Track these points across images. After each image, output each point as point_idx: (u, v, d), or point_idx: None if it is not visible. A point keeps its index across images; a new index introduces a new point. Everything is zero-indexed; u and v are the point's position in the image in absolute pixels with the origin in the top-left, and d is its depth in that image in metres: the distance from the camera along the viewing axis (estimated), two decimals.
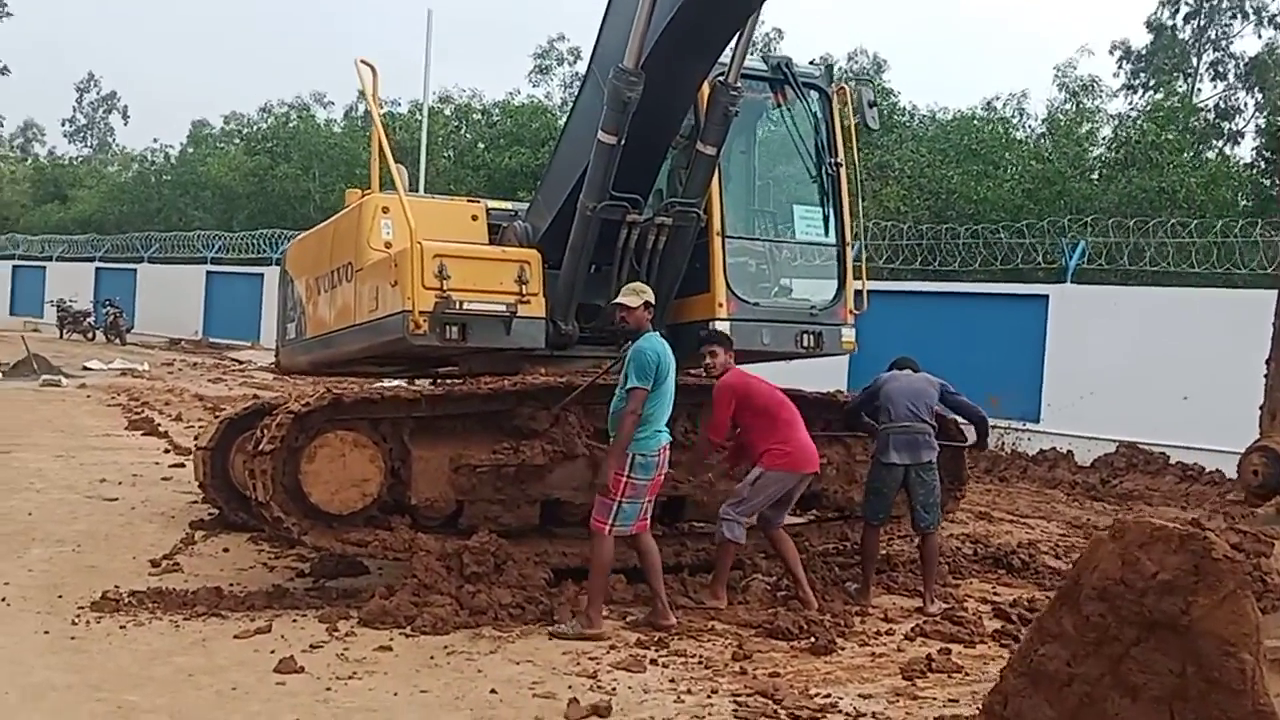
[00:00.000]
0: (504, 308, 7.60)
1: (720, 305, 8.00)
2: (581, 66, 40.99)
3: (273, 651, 5.97)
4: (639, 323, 6.86)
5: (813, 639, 6.52)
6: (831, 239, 8.57)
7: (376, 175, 9.30)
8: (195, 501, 9.88)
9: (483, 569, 6.96)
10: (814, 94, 8.58)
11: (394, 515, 7.23)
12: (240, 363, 28.43)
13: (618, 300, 6.92)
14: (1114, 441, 15.47)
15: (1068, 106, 29.21)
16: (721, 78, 7.56)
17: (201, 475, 9.22)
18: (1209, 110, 37.82)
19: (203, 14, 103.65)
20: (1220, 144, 36.64)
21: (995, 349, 16.74)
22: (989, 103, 30.33)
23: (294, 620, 6.64)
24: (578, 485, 7.46)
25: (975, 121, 28.59)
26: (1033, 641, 3.76)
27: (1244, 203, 25.38)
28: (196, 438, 10.15)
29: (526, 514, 7.48)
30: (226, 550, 8.46)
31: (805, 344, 8.29)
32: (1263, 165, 30.12)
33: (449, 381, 8.26)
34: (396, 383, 11.59)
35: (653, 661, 6.12)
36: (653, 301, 6.97)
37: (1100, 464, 15.38)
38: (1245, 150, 36.00)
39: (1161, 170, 24.20)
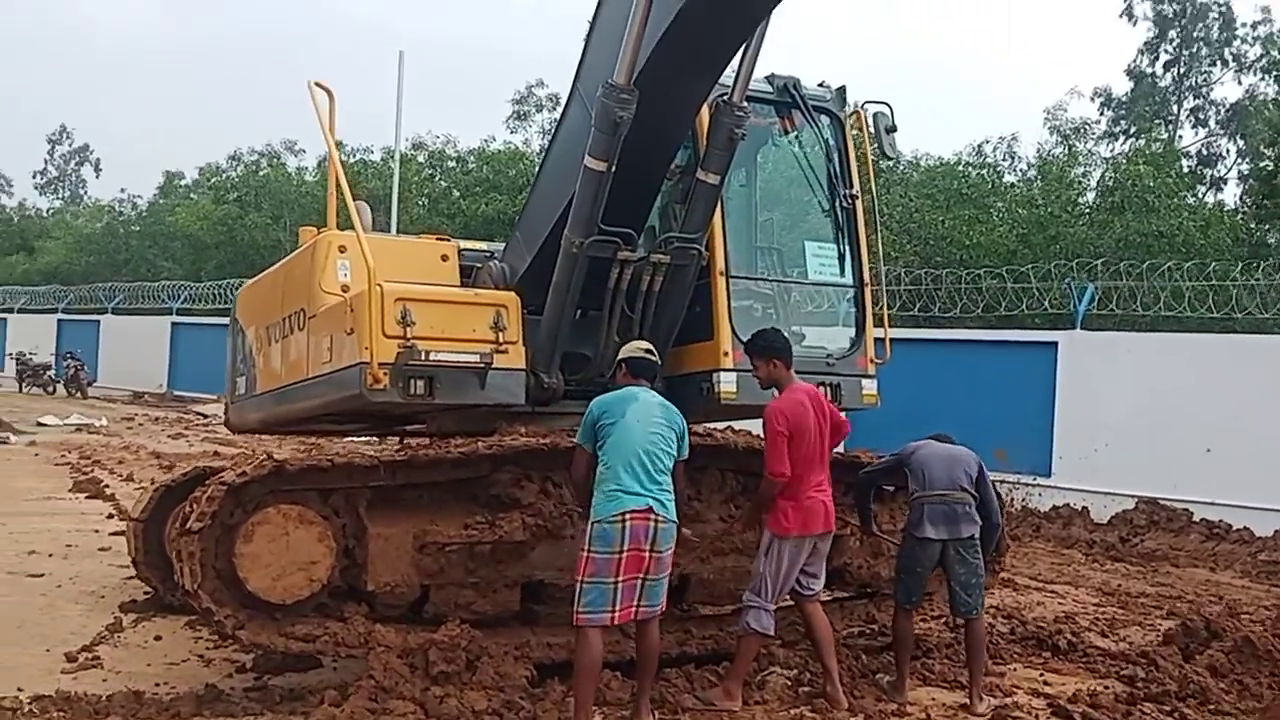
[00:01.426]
0: (478, 358, 6.58)
1: (725, 354, 7.01)
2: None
3: None
4: (618, 382, 6.18)
5: None
6: (848, 279, 7.61)
7: (333, 212, 8.33)
8: (131, 577, 8.75)
9: (453, 667, 5.88)
10: (825, 118, 7.64)
11: (347, 603, 6.16)
12: (205, 417, 27.17)
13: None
14: (1132, 497, 14.52)
15: (1059, 150, 28.61)
16: (724, 98, 6.62)
17: (133, 550, 8.11)
18: (1191, 157, 37.57)
19: (174, 66, 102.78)
20: (1203, 190, 36.37)
21: (1001, 400, 15.80)
22: (978, 147, 29.70)
23: None
24: (565, 565, 6.40)
25: (961, 166, 27.95)
26: None
27: (1235, 248, 24.82)
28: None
29: (505, 599, 6.42)
30: (158, 639, 7.34)
31: None
32: (1248, 209, 29.71)
33: (412, 444, 7.21)
34: (364, 440, 10.60)
35: None
36: (635, 357, 6.18)
37: (1118, 521, 14.42)
38: (1229, 196, 35.83)
39: (1157, 214, 23.58)
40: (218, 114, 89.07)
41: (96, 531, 11.18)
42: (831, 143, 7.64)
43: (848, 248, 7.58)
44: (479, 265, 7.85)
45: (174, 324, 34.81)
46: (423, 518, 6.27)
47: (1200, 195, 33.71)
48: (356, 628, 5.99)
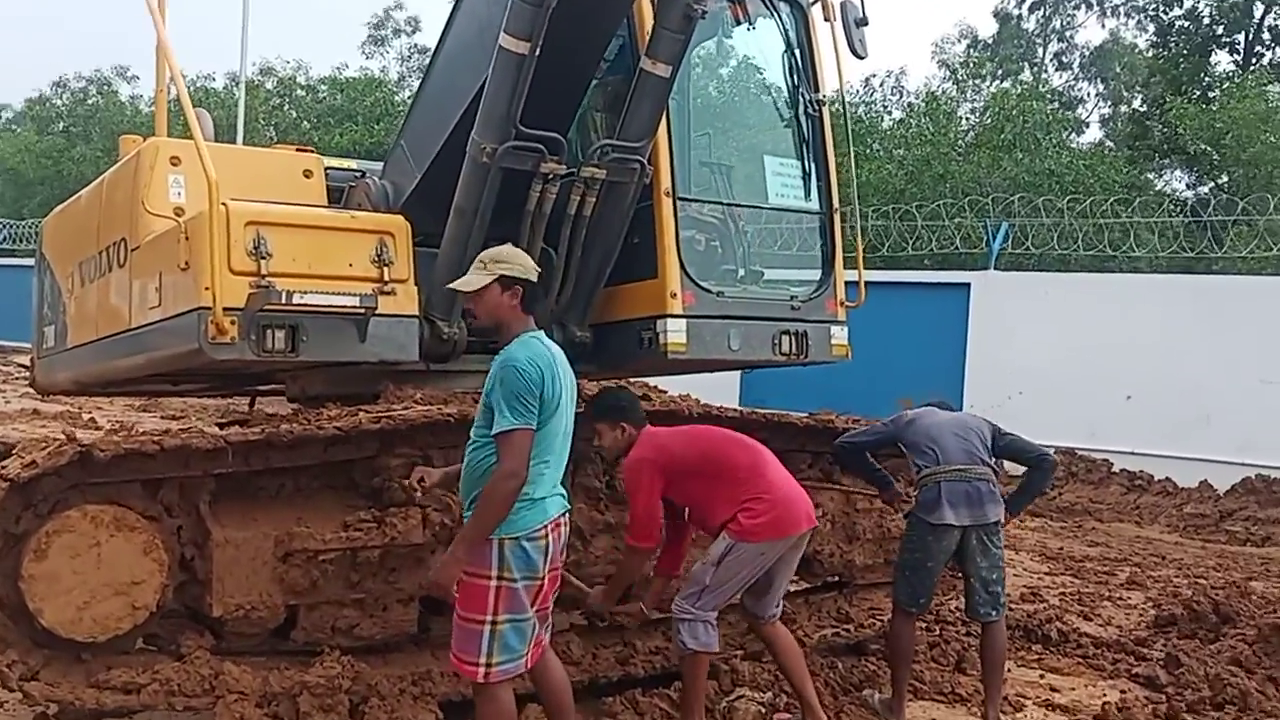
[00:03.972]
0: (357, 301, 5.03)
1: (673, 296, 5.59)
2: (422, 39, 38.08)
3: None
4: (497, 315, 4.18)
5: None
6: (814, 204, 6.25)
7: (163, 118, 6.62)
8: None
9: (332, 717, 4.40)
10: (785, 7, 6.22)
11: (186, 634, 4.56)
12: (27, 368, 24.48)
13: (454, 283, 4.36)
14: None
15: (948, 85, 27.87)
16: None
17: None
18: (1054, 100, 37.47)
19: None
20: (1066, 134, 36.36)
21: (907, 345, 14.79)
22: (866, 80, 28.78)
23: None
24: None
25: (836, 106, 26.84)
26: None
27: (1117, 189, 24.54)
28: None
29: (398, 620, 4.89)
30: None
31: (785, 349, 5.94)
32: (1117, 151, 29.62)
33: (272, 416, 5.60)
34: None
35: None
36: (522, 277, 4.18)
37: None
38: (1089, 139, 35.89)
39: (1044, 152, 22.99)
40: (43, 39, 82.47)
41: None
42: (793, 37, 6.23)
43: (813, 165, 6.21)
44: (350, 185, 6.28)
45: None
46: (287, 516, 4.69)
47: (1064, 138, 33.68)
48: (199, 669, 4.40)
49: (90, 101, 39.03)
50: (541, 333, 4.23)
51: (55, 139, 36.79)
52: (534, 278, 4.24)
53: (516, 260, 4.22)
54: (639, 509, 4.82)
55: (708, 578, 4.86)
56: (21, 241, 30.89)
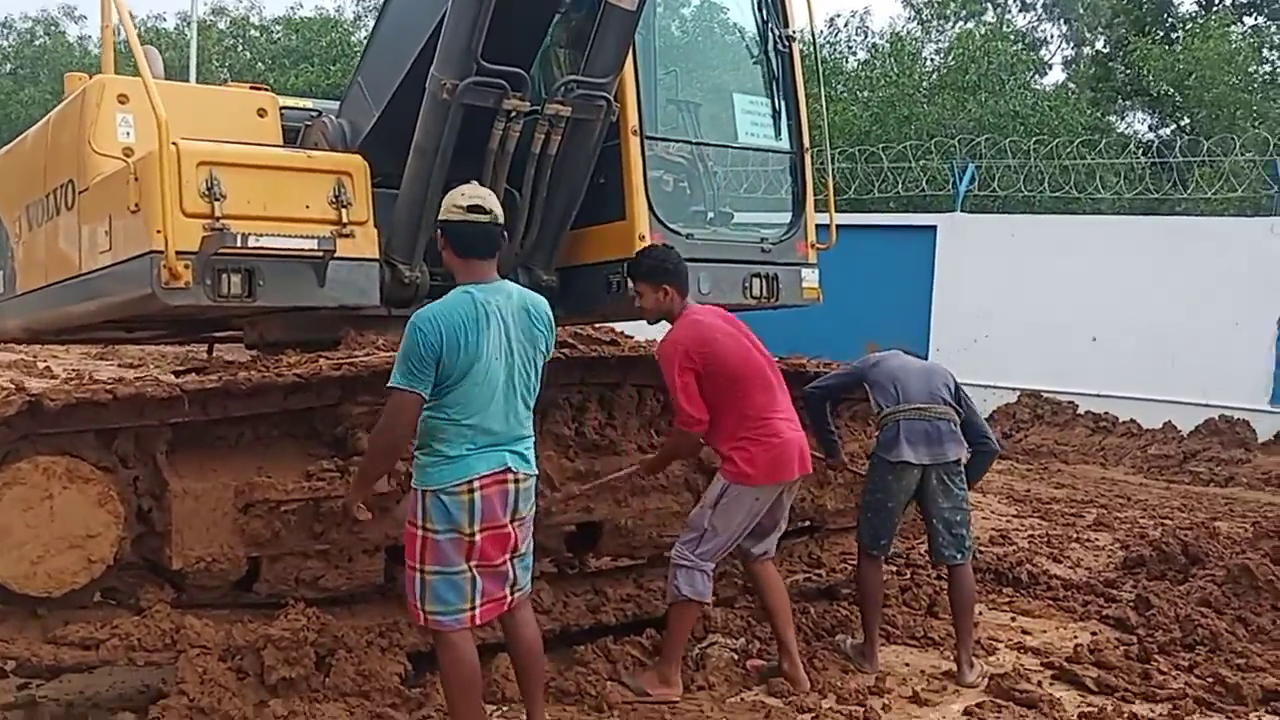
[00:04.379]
0: (315, 244, 4.88)
1: (641, 238, 5.47)
2: None
3: None
4: (445, 265, 4.12)
5: None
6: (785, 143, 6.12)
7: (110, 56, 6.38)
8: None
9: (297, 670, 4.30)
10: None
11: (145, 587, 4.43)
12: None
13: None
14: (1014, 390, 13.79)
15: (912, 25, 27.67)
16: None
17: None
18: (1018, 41, 37.30)
19: None
20: (1030, 75, 36.25)
21: (874, 287, 14.72)
22: (831, 20, 28.51)
23: None
24: None
25: (805, 46, 26.66)
26: None
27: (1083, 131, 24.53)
28: None
29: (364, 570, 4.77)
30: None
31: (756, 292, 5.85)
32: (1080, 92, 29.58)
33: (230, 363, 5.44)
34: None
35: None
36: (462, 222, 3.93)
37: (1001, 415, 13.67)
38: (1052, 80, 35.76)
39: (1009, 93, 22.89)
40: None
41: None
42: None
43: (783, 104, 6.07)
44: (306, 124, 6.10)
45: None
46: (247, 466, 4.54)
47: (1029, 79, 33.59)
48: (159, 623, 4.28)
49: (37, 43, 38.13)
50: (486, 284, 3.93)
51: (2, 81, 35.97)
52: (453, 216, 3.94)
53: (452, 206, 3.99)
54: (677, 394, 4.70)
55: (705, 521, 4.79)
56: None
